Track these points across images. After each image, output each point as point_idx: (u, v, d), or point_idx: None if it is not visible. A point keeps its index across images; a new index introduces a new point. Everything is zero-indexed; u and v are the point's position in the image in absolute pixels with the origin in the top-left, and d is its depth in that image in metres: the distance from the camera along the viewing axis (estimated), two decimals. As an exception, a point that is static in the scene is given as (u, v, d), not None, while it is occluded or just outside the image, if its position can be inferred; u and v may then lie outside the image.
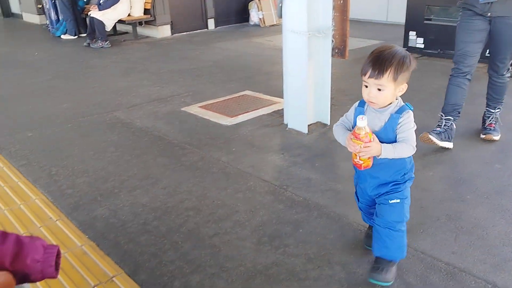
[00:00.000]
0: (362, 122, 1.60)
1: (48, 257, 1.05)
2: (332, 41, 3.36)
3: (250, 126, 3.66)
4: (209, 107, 4.14)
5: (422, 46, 5.60)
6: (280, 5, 3.37)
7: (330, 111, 3.56)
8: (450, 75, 3.08)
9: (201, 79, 5.20)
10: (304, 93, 3.35)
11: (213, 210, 2.46)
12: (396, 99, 1.72)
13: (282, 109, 3.75)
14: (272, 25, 8.53)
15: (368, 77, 1.63)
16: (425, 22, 5.49)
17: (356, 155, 1.70)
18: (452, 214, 2.35)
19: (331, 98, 3.56)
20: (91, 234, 2.28)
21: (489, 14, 2.83)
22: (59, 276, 1.54)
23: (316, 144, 3.28)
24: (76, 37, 8.01)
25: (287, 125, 3.59)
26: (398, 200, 1.80)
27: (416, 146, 1.71)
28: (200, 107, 4.16)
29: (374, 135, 1.66)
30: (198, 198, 2.58)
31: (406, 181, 1.82)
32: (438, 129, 3.05)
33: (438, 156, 3.00)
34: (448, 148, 3.05)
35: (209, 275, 1.97)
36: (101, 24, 7.07)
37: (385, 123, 1.70)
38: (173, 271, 2.01)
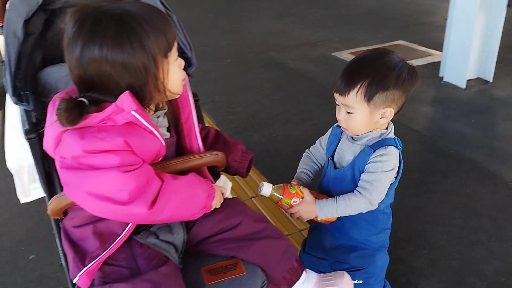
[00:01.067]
0: (264, 190, 1.19)
1: (243, 160, 1.27)
2: (510, -10, 3.06)
3: (402, 76, 3.59)
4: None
5: None
6: None
7: (495, 69, 3.31)
8: None
9: (353, 25, 5.15)
10: (468, 46, 3.16)
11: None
12: (386, 128, 1.22)
13: (439, 61, 3.59)
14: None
15: (335, 92, 1.17)
16: None
17: None
18: None
19: (497, 54, 3.30)
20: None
21: None
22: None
23: (474, 100, 3.12)
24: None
25: (442, 78, 3.44)
26: (361, 281, 1.30)
27: (380, 201, 1.20)
28: (350, 53, 4.18)
29: (304, 192, 1.22)
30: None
31: (375, 249, 1.31)
32: None
33: None
34: None
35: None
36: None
37: (354, 157, 1.22)
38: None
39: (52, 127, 0.91)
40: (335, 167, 1.26)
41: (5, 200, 2.27)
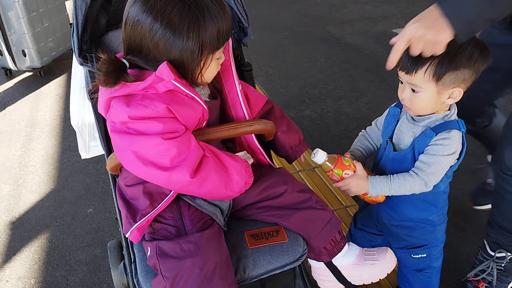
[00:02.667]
0: (317, 156, 1.18)
1: (298, 151, 1.30)
2: None
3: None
4: (423, 31, 3.96)
5: None
6: None
7: None
8: None
9: (419, 1, 4.92)
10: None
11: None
12: (449, 110, 1.17)
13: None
14: None
15: (399, 69, 1.12)
16: None
17: None
18: None
19: None
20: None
21: None
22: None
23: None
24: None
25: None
26: (424, 255, 1.32)
27: (441, 182, 1.16)
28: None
29: (358, 166, 1.19)
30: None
31: (436, 225, 1.29)
32: None
33: None
34: None
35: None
36: None
37: (413, 139, 1.18)
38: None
39: (102, 91, 0.98)
40: (394, 149, 1.24)
41: (67, 157, 2.43)
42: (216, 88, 1.16)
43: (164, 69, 0.92)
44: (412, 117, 1.19)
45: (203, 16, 0.92)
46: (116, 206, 1.16)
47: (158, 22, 0.90)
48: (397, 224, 1.30)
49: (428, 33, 0.97)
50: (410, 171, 1.16)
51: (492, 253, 1.50)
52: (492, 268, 1.50)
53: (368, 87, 3.03)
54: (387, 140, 1.26)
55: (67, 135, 2.61)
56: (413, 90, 1.12)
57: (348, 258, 1.14)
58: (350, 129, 2.58)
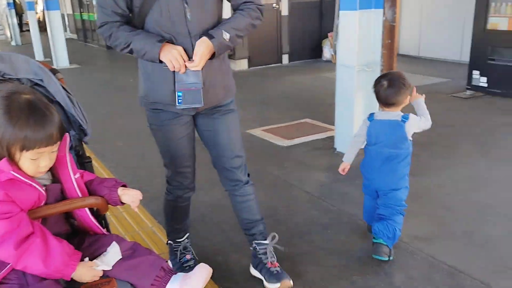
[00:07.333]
0: None
1: (113, 187, 1.50)
2: (380, 75, 3.76)
3: (304, 148, 4.12)
4: (271, 130, 4.68)
5: (486, 85, 5.72)
6: (335, 42, 3.85)
7: (377, 139, 3.92)
8: None
9: (269, 107, 5.78)
10: (351, 121, 3.76)
11: (258, 210, 2.95)
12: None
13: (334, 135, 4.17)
14: (343, 62, 8.97)
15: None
16: (489, 61, 5.64)
17: None
18: (469, 230, 2.61)
19: (379, 126, 3.92)
20: (160, 220, 2.87)
21: None
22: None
23: (358, 166, 3.65)
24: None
25: (336, 148, 4.00)
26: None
27: None
28: (262, 130, 4.71)
29: None
30: (248, 201, 3.08)
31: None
32: None
33: (470, 182, 3.24)
34: None
35: (247, 256, 2.44)
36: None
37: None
38: (218, 249, 2.51)
39: None
40: None
41: None
42: (55, 175, 1.44)
43: (3, 163, 1.22)
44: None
45: (14, 122, 1.22)
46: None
47: None
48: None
49: None
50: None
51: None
52: None
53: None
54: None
55: None
56: None
57: (174, 284, 1.39)
58: (206, 214, 2.93)
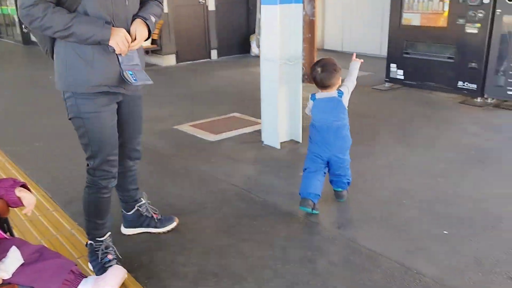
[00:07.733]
0: None
1: (10, 187, 1.41)
2: (303, 68, 3.85)
3: (231, 142, 4.13)
4: (198, 126, 4.63)
5: (402, 77, 6.07)
6: (259, 36, 3.89)
7: (302, 131, 4.01)
8: None
9: (197, 102, 5.72)
10: (276, 114, 3.82)
11: (185, 206, 2.91)
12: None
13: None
14: (271, 57, 9.09)
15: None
16: (404, 55, 5.98)
17: None
18: (386, 215, 2.75)
19: (303, 119, 4.02)
20: (80, 221, 2.73)
21: None
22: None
23: (284, 158, 3.73)
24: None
25: (263, 142, 4.05)
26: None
27: None
28: (190, 125, 4.65)
29: None
30: (176, 196, 3.03)
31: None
32: None
33: (389, 169, 3.42)
34: None
35: (171, 252, 2.39)
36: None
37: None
38: (143, 248, 2.44)
39: None
40: None
41: None
42: None
43: None
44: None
45: None
46: None
47: None
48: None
49: None
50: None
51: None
52: None
53: (150, 175, 3.38)
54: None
55: None
56: None
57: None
58: (130, 214, 2.83)
